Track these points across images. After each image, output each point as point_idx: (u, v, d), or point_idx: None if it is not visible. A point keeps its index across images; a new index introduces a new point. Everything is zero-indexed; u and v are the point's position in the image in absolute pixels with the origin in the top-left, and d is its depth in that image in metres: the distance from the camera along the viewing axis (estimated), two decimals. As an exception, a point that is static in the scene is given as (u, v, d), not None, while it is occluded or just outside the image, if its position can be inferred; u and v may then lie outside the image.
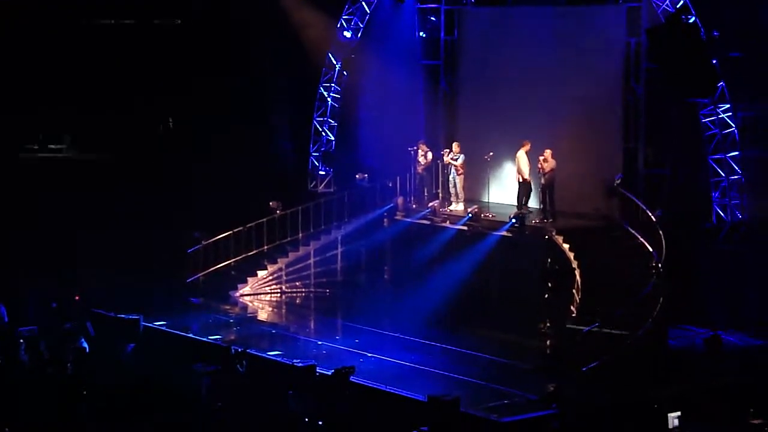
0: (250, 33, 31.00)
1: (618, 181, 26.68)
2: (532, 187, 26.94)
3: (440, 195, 28.94)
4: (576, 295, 24.12)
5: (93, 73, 31.05)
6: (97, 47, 31.37)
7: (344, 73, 31.04)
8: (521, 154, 26.88)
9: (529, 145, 26.72)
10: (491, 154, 27.85)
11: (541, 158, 26.50)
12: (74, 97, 30.78)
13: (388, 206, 29.09)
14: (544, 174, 26.52)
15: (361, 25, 30.43)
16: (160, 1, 32.34)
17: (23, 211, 28.56)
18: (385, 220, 29.04)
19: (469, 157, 28.37)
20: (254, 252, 28.71)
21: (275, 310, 28.17)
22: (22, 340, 19.67)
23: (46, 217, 28.56)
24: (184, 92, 30.90)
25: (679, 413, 17.86)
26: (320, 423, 17.86)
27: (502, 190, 28.40)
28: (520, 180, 26.98)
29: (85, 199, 29.23)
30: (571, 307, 24.04)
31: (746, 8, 25.21)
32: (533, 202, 27.20)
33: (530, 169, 26.75)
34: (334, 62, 30.93)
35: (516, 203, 27.07)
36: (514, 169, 27.35)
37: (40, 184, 29.71)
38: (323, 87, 31.14)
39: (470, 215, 26.93)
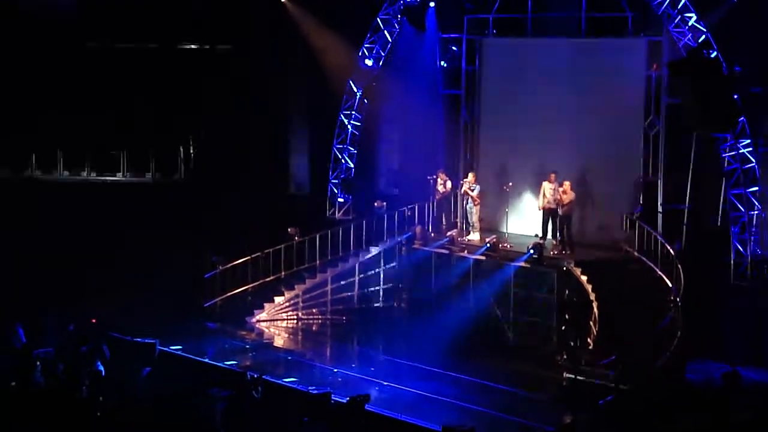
0: (271, 59, 31.08)
1: (637, 215, 26.67)
2: (550, 216, 26.81)
3: (459, 224, 28.90)
4: (593, 327, 24.05)
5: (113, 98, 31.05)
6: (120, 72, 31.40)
7: (365, 100, 31.12)
8: (544, 185, 26.81)
9: (553, 177, 26.65)
10: (510, 184, 27.83)
11: (561, 190, 26.48)
12: (94, 119, 30.73)
13: (407, 235, 29.10)
14: (563, 206, 26.48)
15: (383, 54, 30.53)
16: (182, 29, 32.48)
17: (38, 230, 28.57)
18: (403, 248, 29.06)
19: (489, 187, 28.39)
20: (271, 278, 28.69)
21: (291, 336, 28.12)
22: (38, 362, 19.65)
23: (62, 238, 28.57)
24: (204, 118, 30.94)
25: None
26: (334, 451, 17.85)
27: (521, 220, 28.38)
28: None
29: (101, 221, 29.24)
30: (589, 339, 23.97)
31: (768, 43, 25.23)
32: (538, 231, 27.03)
33: (548, 200, 26.66)
34: (355, 90, 31.01)
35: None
36: (537, 199, 27.36)
37: (58, 206, 29.73)
38: (344, 114, 31.23)
39: (488, 245, 26.92)
